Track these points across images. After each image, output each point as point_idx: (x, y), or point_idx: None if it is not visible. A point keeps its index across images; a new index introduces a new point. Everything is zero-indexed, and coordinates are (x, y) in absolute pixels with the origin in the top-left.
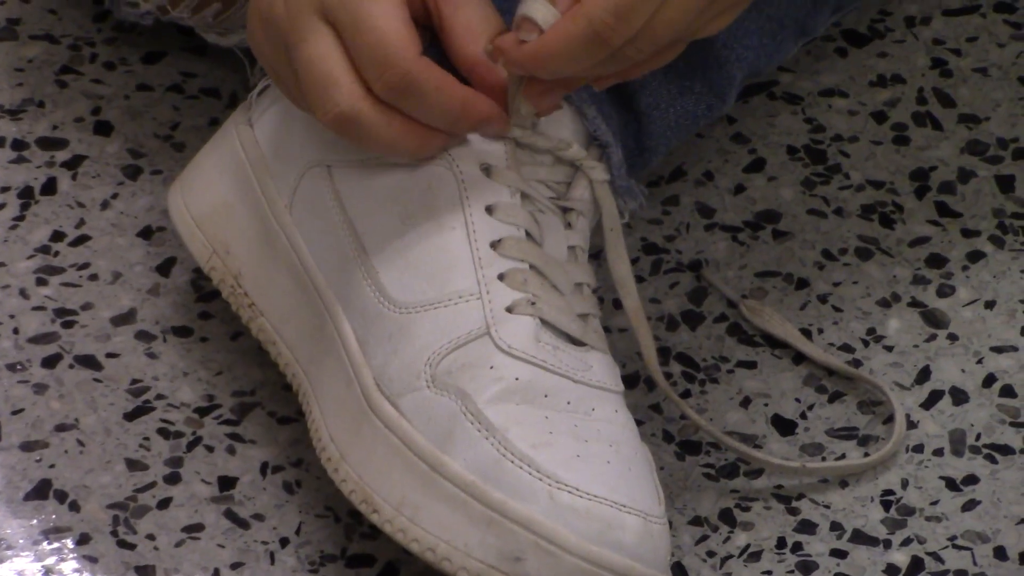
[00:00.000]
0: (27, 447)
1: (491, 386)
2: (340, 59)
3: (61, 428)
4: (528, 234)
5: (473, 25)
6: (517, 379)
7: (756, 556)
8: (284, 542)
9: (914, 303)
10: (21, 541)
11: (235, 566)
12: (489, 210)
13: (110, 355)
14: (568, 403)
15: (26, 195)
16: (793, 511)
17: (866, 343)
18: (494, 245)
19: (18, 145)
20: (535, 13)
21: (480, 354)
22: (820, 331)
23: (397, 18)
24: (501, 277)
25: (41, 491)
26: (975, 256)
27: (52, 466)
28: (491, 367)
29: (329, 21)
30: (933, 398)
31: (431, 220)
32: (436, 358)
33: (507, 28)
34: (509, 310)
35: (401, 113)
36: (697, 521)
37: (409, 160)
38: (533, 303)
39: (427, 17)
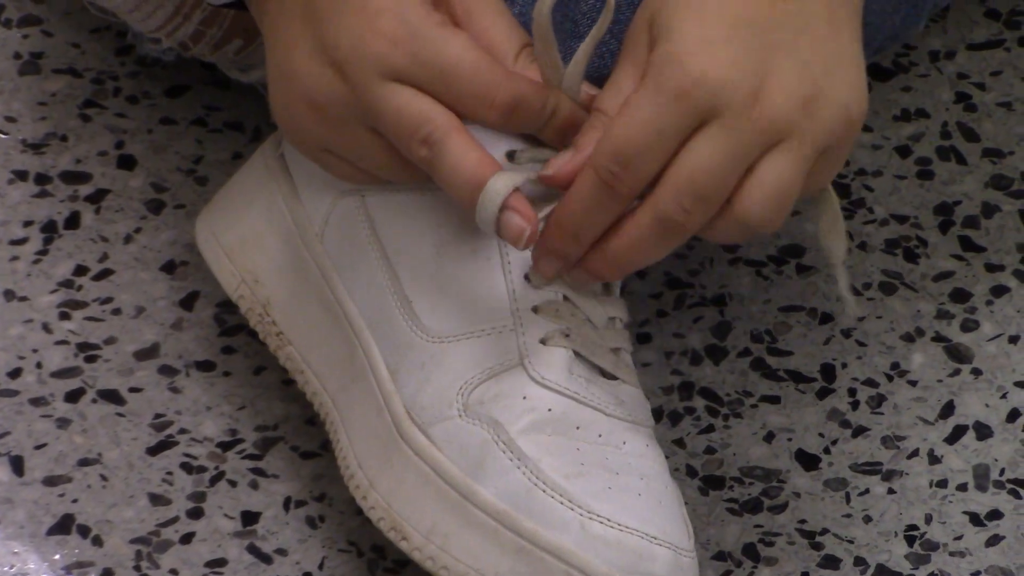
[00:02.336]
0: (50, 482)
1: (524, 416)
2: (425, 99)
3: (84, 463)
4: None
5: (496, 45)
6: (550, 410)
7: None
8: None
9: (938, 338)
10: None
11: None
12: None
13: (133, 389)
14: (599, 436)
15: (49, 229)
16: (817, 546)
17: (890, 378)
18: (528, 277)
19: (41, 179)
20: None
21: (513, 384)
22: (844, 366)
23: (474, 48)
24: (535, 309)
25: (64, 526)
26: (999, 291)
27: (75, 501)
28: (524, 397)
29: (401, 81)
30: (957, 433)
31: (466, 250)
32: (469, 387)
33: (528, 42)
34: (543, 342)
35: None
36: (721, 556)
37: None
38: (567, 335)
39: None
